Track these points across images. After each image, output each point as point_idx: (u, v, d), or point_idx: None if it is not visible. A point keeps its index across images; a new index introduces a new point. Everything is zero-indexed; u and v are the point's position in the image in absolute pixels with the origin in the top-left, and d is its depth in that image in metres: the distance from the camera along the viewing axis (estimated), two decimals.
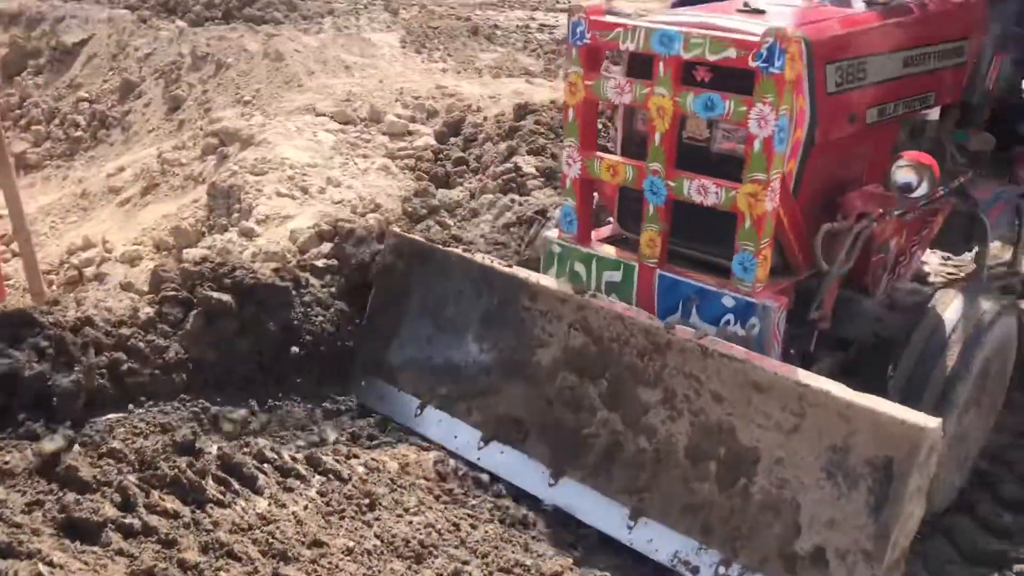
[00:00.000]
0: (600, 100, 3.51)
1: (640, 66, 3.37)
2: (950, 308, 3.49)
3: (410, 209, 5.90)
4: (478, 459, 3.63)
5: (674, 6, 4.28)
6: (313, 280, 4.37)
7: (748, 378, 3.06)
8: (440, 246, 3.99)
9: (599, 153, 3.59)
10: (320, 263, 4.56)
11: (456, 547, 3.26)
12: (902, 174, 3.42)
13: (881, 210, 3.59)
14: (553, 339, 3.54)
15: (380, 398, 4.00)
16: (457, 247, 4.10)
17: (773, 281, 3.37)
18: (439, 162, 7.09)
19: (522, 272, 3.73)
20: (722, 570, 3.02)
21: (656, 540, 3.16)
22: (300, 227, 5.70)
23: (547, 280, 3.67)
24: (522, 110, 7.61)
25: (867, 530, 2.81)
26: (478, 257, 3.89)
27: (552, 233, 3.83)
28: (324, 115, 7.97)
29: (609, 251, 3.67)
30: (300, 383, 4.14)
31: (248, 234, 5.86)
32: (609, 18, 3.39)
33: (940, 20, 4.00)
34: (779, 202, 3.20)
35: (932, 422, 2.77)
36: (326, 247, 4.89)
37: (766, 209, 3.12)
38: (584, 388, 3.43)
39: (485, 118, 7.93)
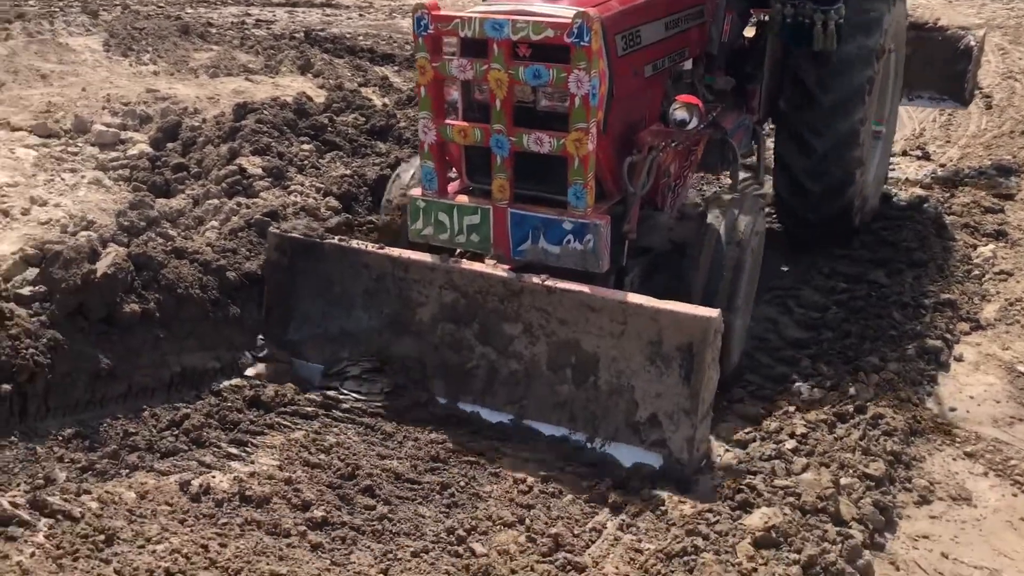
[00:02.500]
0: (446, 77, 4.12)
1: (470, 48, 4.03)
2: (724, 216, 4.37)
3: (126, 223, 5.53)
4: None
5: None
6: (19, 310, 4.01)
7: (584, 303, 3.94)
8: (317, 239, 4.51)
9: (449, 121, 4.20)
10: (26, 291, 4.21)
11: (206, 568, 3.17)
12: (678, 113, 4.31)
13: (664, 142, 4.42)
14: (429, 299, 4.25)
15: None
16: (333, 238, 4.55)
17: (598, 206, 4.13)
18: (157, 170, 6.65)
19: (394, 251, 4.35)
20: (589, 445, 3.97)
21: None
22: (2, 253, 5.22)
23: (416, 255, 4.30)
24: (243, 109, 7.25)
25: (683, 395, 3.79)
26: (354, 243, 4.47)
27: (415, 192, 4.39)
28: (21, 129, 7.21)
29: (465, 200, 4.31)
30: (17, 422, 3.83)
31: None
32: (446, 12, 4.04)
33: None
34: (596, 143, 3.94)
35: (713, 313, 3.77)
36: (33, 273, 4.53)
37: (589, 150, 3.90)
38: (461, 332, 4.21)
39: (204, 120, 7.53)
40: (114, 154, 6.91)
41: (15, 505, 3.25)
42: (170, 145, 7.01)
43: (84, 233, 5.15)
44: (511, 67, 3.92)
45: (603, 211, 4.19)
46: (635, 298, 3.90)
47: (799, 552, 3.25)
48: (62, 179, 6.38)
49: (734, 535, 3.36)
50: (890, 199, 6.87)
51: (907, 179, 7.48)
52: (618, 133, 4.30)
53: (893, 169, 7.35)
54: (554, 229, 4.10)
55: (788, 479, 3.72)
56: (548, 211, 4.13)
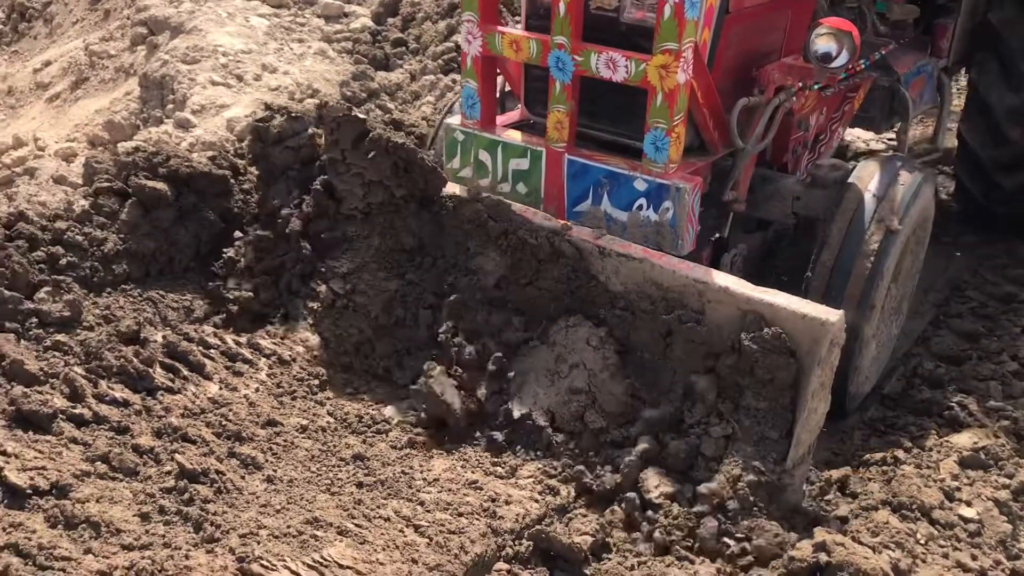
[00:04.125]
0: None
1: None
2: (871, 183, 3.25)
3: (349, 93, 5.72)
4: None
5: None
6: (251, 168, 4.30)
7: (647, 276, 2.93)
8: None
9: (500, 28, 3.21)
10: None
11: None
12: (821, 42, 3.17)
13: (800, 83, 3.31)
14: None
15: None
16: None
17: (687, 161, 3.10)
18: (377, 44, 6.86)
19: None
20: None
21: None
22: (237, 116, 5.56)
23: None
24: None
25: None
26: None
27: (454, 120, 3.44)
28: None
29: (515, 136, 3.32)
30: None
31: (184, 125, 5.68)
32: None
33: None
34: (692, 75, 2.89)
35: (832, 315, 2.60)
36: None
37: (678, 82, 2.83)
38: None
39: None
40: (338, 26, 7.15)
41: (239, 344, 3.54)
42: (390, 20, 7.17)
43: (310, 100, 5.41)
44: None
45: (693, 170, 3.11)
46: (719, 278, 2.84)
47: (1010, 477, 3.05)
48: (290, 48, 6.69)
49: (938, 451, 3.20)
50: None
51: None
52: (732, 64, 3.22)
53: None
54: (622, 188, 3.05)
55: (1005, 402, 3.49)
56: (618, 162, 3.10)
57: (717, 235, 3.41)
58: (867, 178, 3.28)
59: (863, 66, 3.55)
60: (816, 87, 3.41)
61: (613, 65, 2.93)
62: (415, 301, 3.38)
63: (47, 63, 8.25)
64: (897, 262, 3.27)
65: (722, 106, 3.17)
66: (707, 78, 3.03)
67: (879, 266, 3.16)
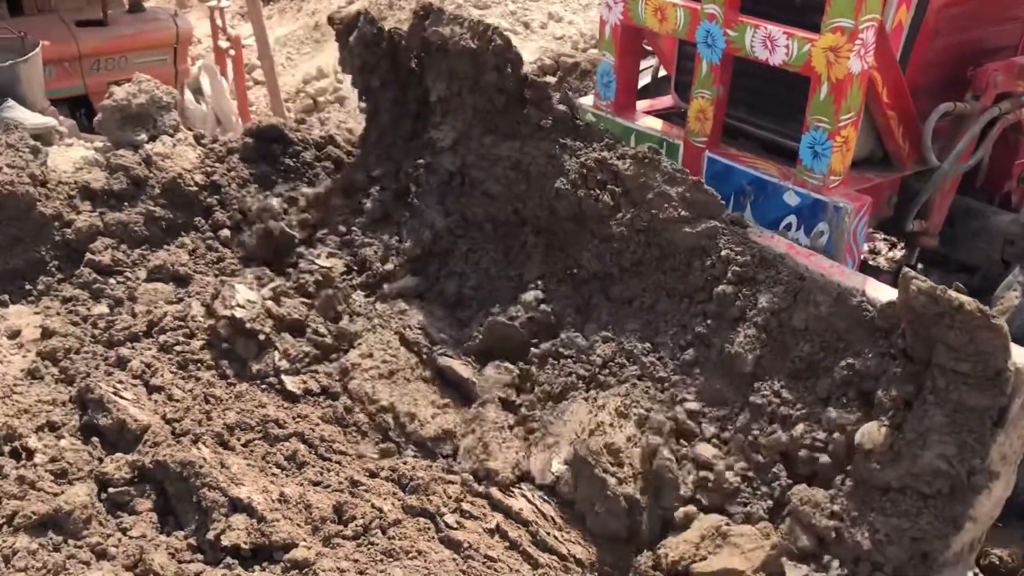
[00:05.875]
0: None
1: None
2: None
3: None
4: None
5: None
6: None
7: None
8: None
9: None
10: None
11: None
12: None
13: None
14: None
15: None
16: None
17: (858, 175, 2.51)
18: None
19: None
20: None
21: None
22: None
23: None
24: None
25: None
26: None
27: (588, 99, 2.99)
28: None
29: (653, 124, 2.84)
30: None
31: None
32: None
33: None
34: (874, 64, 2.28)
35: None
36: (549, 81, 4.93)
37: (850, 71, 2.18)
38: None
39: None
40: None
41: None
42: None
43: (592, 51, 5.47)
44: None
45: (864, 187, 2.46)
46: (878, 290, 2.09)
47: None
48: None
49: None
50: None
51: None
52: (938, 57, 2.57)
53: None
54: (769, 200, 2.44)
55: None
56: (767, 166, 2.53)
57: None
58: None
59: None
60: None
61: (771, 44, 2.31)
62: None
63: (350, 1, 8.86)
64: None
65: (916, 110, 2.52)
66: (896, 71, 2.42)
67: None
